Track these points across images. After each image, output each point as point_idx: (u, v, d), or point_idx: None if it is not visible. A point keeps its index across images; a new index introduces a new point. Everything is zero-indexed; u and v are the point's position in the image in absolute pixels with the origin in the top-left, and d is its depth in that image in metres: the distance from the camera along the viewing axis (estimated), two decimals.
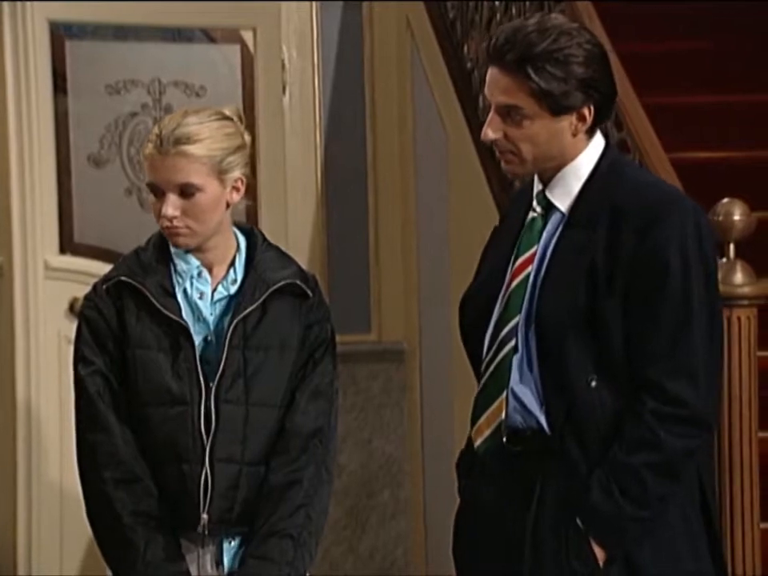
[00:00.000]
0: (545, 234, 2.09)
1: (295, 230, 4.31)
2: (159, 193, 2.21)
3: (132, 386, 2.21)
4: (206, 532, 2.21)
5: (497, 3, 3.75)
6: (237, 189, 2.24)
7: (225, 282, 2.25)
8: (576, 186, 2.09)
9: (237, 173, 2.23)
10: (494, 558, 2.10)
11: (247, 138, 2.25)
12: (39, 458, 3.96)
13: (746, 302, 2.62)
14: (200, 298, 2.24)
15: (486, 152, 3.80)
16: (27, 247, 3.95)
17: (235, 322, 2.21)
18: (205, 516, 2.20)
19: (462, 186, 4.02)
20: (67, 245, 4.08)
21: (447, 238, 4.14)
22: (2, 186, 3.94)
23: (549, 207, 2.11)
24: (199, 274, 2.24)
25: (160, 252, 2.25)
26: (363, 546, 4.23)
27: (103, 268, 4.05)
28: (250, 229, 2.32)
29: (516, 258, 2.11)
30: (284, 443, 2.22)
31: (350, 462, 4.19)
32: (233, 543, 2.24)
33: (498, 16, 3.74)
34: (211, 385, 2.20)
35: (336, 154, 4.41)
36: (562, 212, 2.09)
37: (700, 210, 2.10)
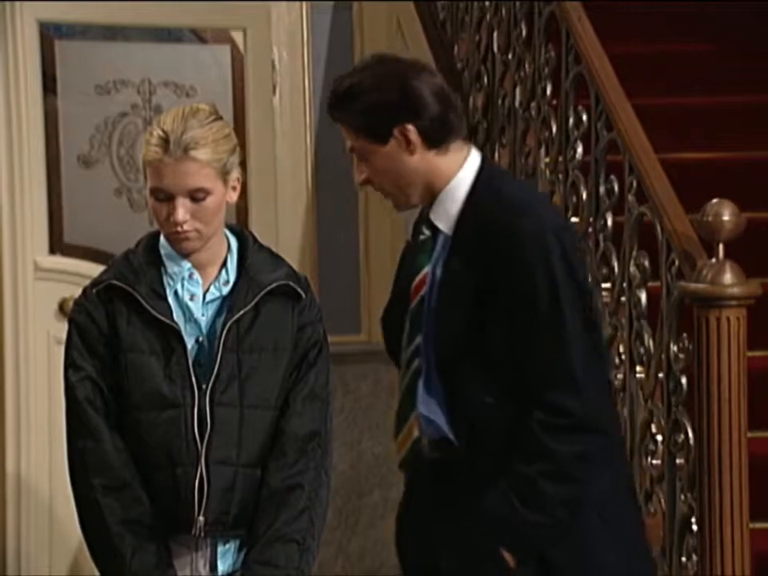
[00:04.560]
0: (434, 255, 2.18)
1: (285, 230, 4.31)
2: (165, 197, 2.20)
3: (124, 390, 2.20)
4: (202, 534, 2.20)
5: (486, 4, 3.75)
6: (235, 188, 2.25)
7: (217, 283, 2.24)
8: (454, 209, 2.16)
9: (236, 172, 2.23)
10: (416, 559, 2.20)
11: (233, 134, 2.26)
12: (29, 459, 3.96)
13: (734, 303, 2.63)
14: (191, 299, 2.23)
15: None
16: (17, 248, 3.95)
17: (229, 324, 2.20)
18: (201, 519, 2.19)
19: None
20: (57, 245, 4.08)
21: None
22: None
23: (435, 229, 2.19)
24: (191, 276, 2.23)
25: (150, 254, 2.24)
26: (353, 547, 4.23)
27: (93, 268, 4.06)
28: (240, 229, 2.32)
29: (413, 278, 2.20)
30: (281, 446, 2.22)
31: (339, 463, 4.18)
32: (228, 546, 2.23)
33: (488, 17, 3.75)
34: (204, 387, 2.19)
35: (326, 154, 4.41)
36: (446, 234, 2.18)
37: (563, 226, 2.18)
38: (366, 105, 2.12)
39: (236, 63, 4.31)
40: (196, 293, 2.24)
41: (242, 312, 2.21)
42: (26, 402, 3.95)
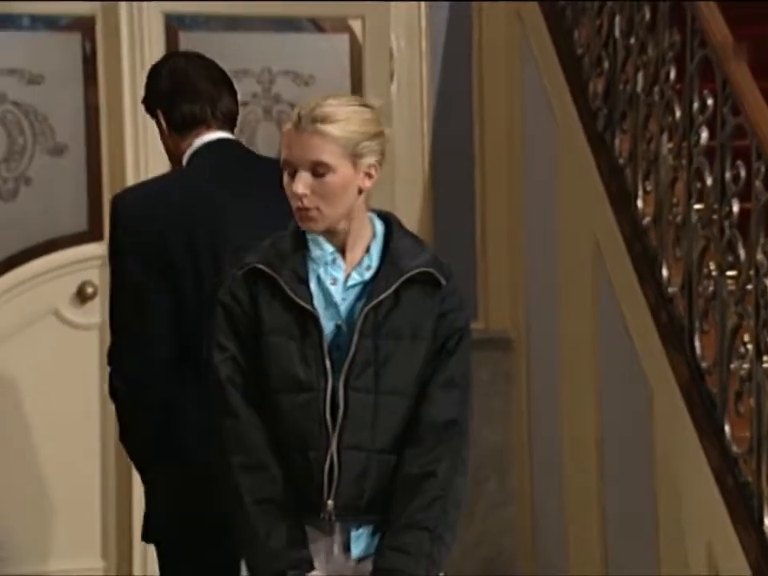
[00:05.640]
0: None
1: (402, 218, 4.28)
2: (292, 171, 2.22)
3: (264, 372, 2.23)
4: (333, 518, 2.22)
5: None
6: (369, 175, 2.23)
7: (359, 268, 2.25)
8: None
9: (371, 159, 2.22)
10: None
11: (387, 130, 2.25)
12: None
13: None
14: (333, 284, 2.24)
15: (597, 140, 3.77)
16: None
17: (366, 309, 2.20)
18: (330, 503, 2.20)
19: (571, 175, 3.99)
20: None
21: (554, 227, 4.11)
22: (119, 178, 4.00)
23: None
24: (333, 260, 2.25)
25: (296, 239, 2.26)
26: (470, 535, 4.23)
27: None
28: (386, 215, 2.31)
29: None
30: (417, 434, 2.21)
31: None
32: (361, 530, 2.25)
33: (609, 1, 3.70)
34: (339, 372, 2.20)
35: (443, 142, 4.41)
36: None
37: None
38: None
39: (354, 52, 4.33)
40: (338, 277, 2.24)
41: (380, 298, 2.21)
42: None
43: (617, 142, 3.66)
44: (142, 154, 4.01)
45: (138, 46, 3.96)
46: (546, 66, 4.09)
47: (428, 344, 2.22)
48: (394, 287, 2.22)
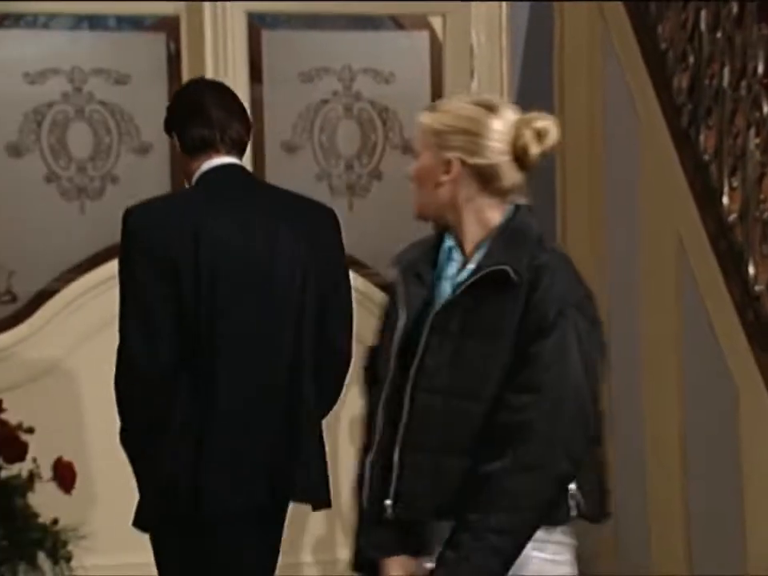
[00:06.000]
0: None
1: None
2: None
3: None
4: (397, 516, 2.19)
5: None
6: (446, 171, 2.22)
7: (469, 265, 2.22)
8: None
9: (448, 153, 2.21)
10: None
11: (496, 131, 2.20)
12: None
13: None
14: (445, 278, 2.23)
15: (681, 137, 3.74)
16: None
17: (438, 308, 2.18)
18: (388, 502, 2.18)
19: (654, 172, 3.96)
20: None
21: (637, 224, 4.08)
22: None
23: None
24: (450, 254, 2.24)
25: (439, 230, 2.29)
26: None
27: None
28: (512, 212, 2.25)
29: None
30: (487, 436, 2.15)
31: None
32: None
33: None
34: (411, 370, 2.18)
35: None
36: None
37: None
38: None
39: (434, 49, 4.33)
40: (450, 272, 2.23)
41: (454, 295, 2.18)
42: None
43: (702, 138, 3.63)
44: None
45: (222, 45, 4.00)
46: (629, 62, 4.06)
47: (507, 344, 2.16)
48: (462, 288, 2.18)
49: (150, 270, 2.71)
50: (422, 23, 4.35)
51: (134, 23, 4.14)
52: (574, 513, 2.18)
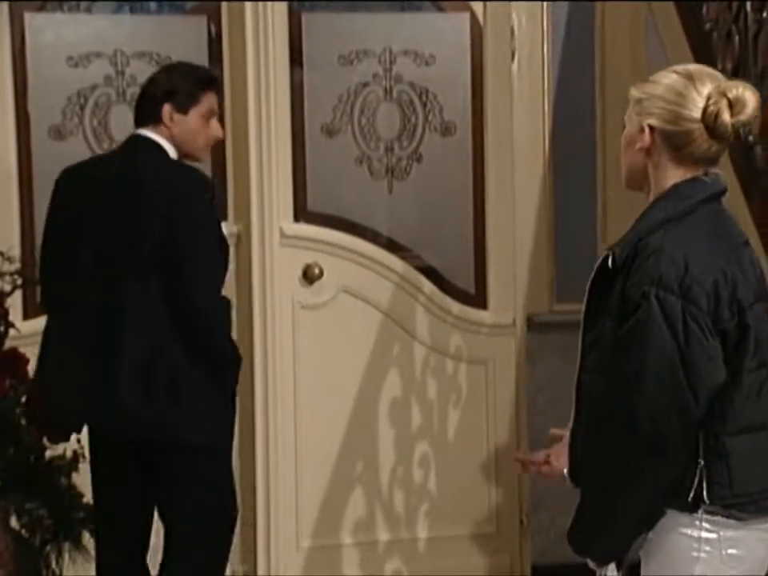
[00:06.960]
0: None
1: (522, 198, 4.29)
2: None
3: None
4: None
5: None
6: (641, 138, 2.28)
7: None
8: None
9: (645, 119, 2.26)
10: None
11: (691, 99, 2.24)
12: (276, 420, 4.08)
13: None
14: None
15: None
16: (264, 215, 4.06)
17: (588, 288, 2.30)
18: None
19: None
20: (301, 213, 4.18)
21: None
22: (242, 157, 4.06)
23: None
24: None
25: None
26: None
27: (333, 235, 4.16)
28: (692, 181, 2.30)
29: None
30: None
31: None
32: None
33: None
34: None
35: (564, 122, 4.37)
36: None
37: None
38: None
39: (474, 31, 4.31)
40: None
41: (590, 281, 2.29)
42: (273, 363, 4.08)
43: None
44: (265, 132, 4.04)
45: (262, 28, 4.00)
46: (672, 44, 4.02)
47: (612, 325, 2.22)
48: (594, 272, 2.27)
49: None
50: (462, 5, 4.33)
51: (175, 7, 4.16)
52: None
